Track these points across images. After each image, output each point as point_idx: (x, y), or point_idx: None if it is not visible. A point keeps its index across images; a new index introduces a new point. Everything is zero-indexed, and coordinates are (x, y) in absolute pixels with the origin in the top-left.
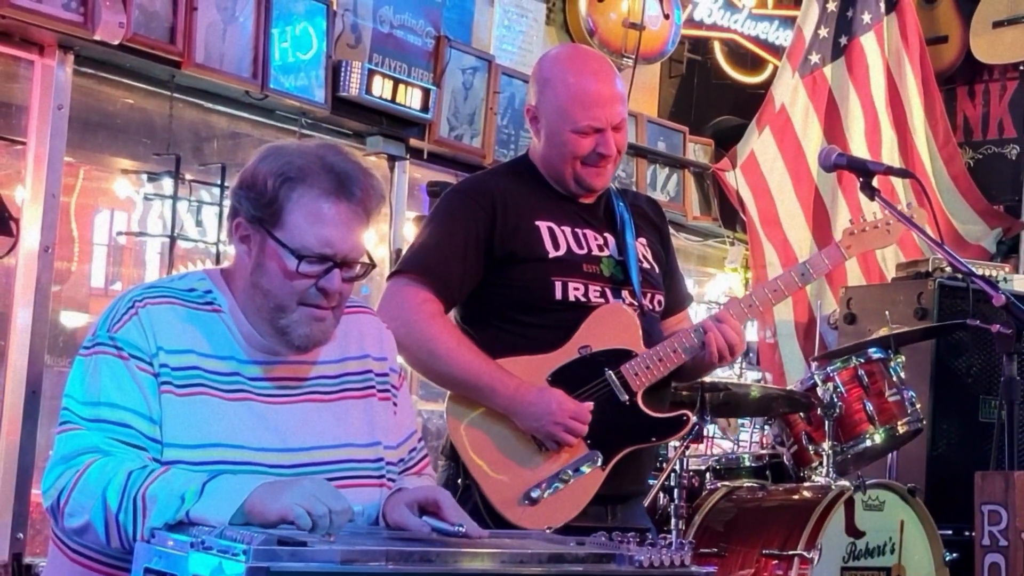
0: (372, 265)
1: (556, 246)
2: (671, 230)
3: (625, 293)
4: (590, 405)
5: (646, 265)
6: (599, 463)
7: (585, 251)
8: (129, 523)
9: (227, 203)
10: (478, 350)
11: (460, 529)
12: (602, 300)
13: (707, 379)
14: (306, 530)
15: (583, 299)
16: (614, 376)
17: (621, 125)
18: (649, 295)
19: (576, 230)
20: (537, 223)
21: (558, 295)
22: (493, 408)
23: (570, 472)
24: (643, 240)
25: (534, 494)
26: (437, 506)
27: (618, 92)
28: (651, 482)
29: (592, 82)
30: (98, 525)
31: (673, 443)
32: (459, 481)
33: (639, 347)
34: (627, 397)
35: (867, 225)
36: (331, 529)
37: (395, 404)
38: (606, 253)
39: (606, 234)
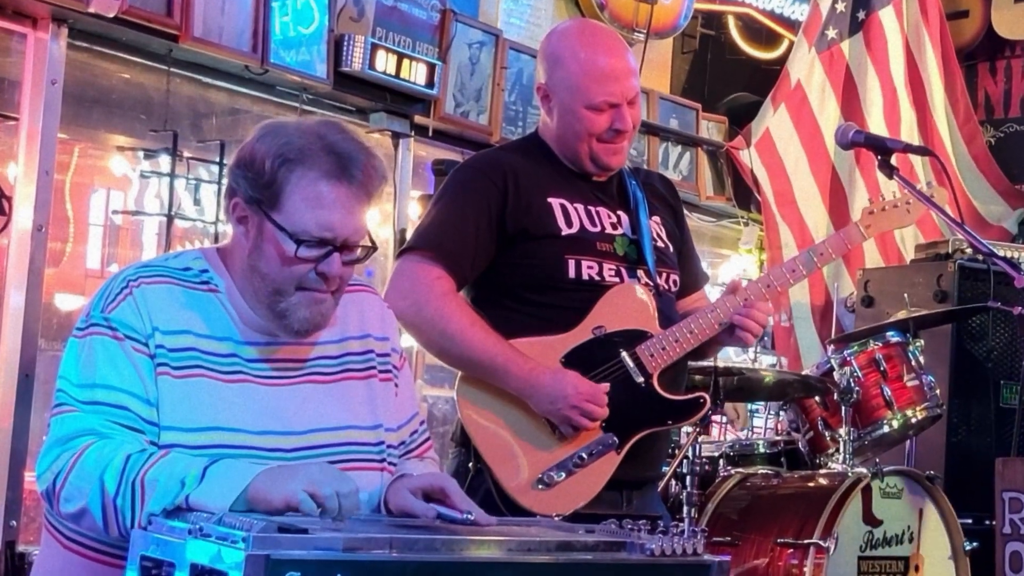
0: (373, 248)
1: (569, 223)
2: (684, 209)
3: (640, 272)
4: (606, 387)
5: (660, 244)
6: (614, 446)
7: (598, 229)
8: (127, 508)
9: (226, 181)
10: (491, 330)
11: (469, 517)
12: (617, 279)
13: (721, 364)
14: (313, 516)
15: (597, 278)
16: (629, 358)
17: (635, 100)
18: (664, 275)
19: (589, 208)
20: (549, 200)
21: (571, 274)
22: (506, 390)
23: (584, 456)
24: (657, 219)
25: (548, 478)
26: (444, 493)
27: (631, 66)
28: (663, 468)
29: (605, 56)
30: (95, 510)
31: (686, 429)
32: (470, 465)
33: (654, 328)
34: (643, 379)
35: (886, 204)
36: (340, 514)
37: (396, 385)
38: (620, 232)
39: (619, 212)
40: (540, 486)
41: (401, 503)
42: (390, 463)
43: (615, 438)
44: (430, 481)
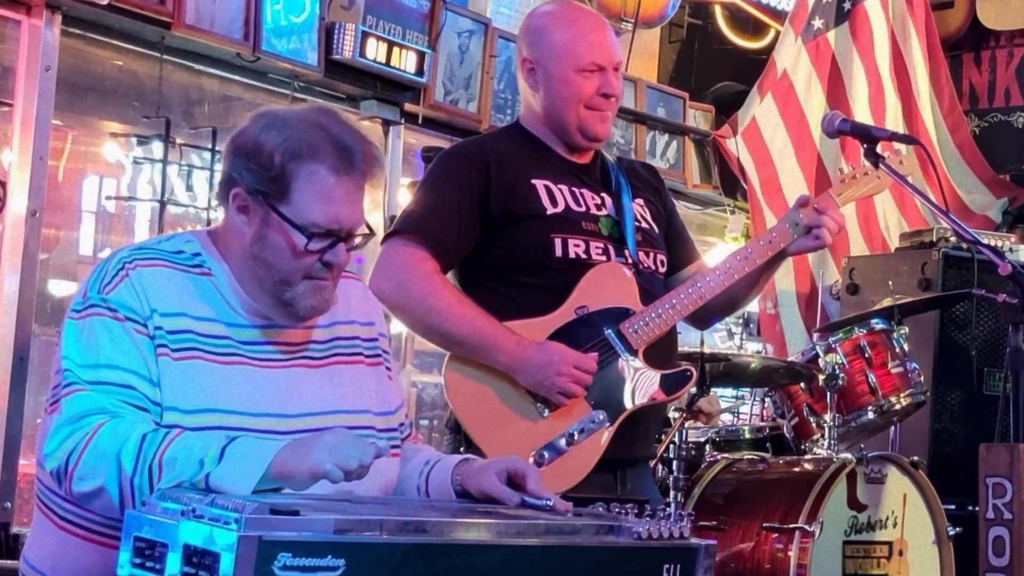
0: (371, 233)
1: (554, 203)
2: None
3: (626, 252)
4: (595, 355)
5: (644, 225)
6: (604, 423)
7: (583, 209)
8: (145, 487)
9: (218, 167)
10: (478, 307)
11: (548, 503)
12: (603, 258)
13: (707, 350)
14: (339, 482)
15: (584, 256)
16: (614, 335)
17: (619, 68)
18: (652, 255)
19: (573, 189)
20: (533, 182)
21: (558, 252)
22: (494, 365)
23: (575, 434)
24: (640, 201)
25: (539, 458)
26: (524, 478)
27: (613, 37)
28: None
29: (589, 23)
30: (112, 490)
31: (673, 414)
32: (462, 450)
33: (637, 305)
34: (629, 355)
35: (857, 172)
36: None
37: (388, 368)
38: (604, 213)
39: (603, 194)
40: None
41: (486, 487)
42: (393, 446)
43: (604, 415)
44: (513, 465)
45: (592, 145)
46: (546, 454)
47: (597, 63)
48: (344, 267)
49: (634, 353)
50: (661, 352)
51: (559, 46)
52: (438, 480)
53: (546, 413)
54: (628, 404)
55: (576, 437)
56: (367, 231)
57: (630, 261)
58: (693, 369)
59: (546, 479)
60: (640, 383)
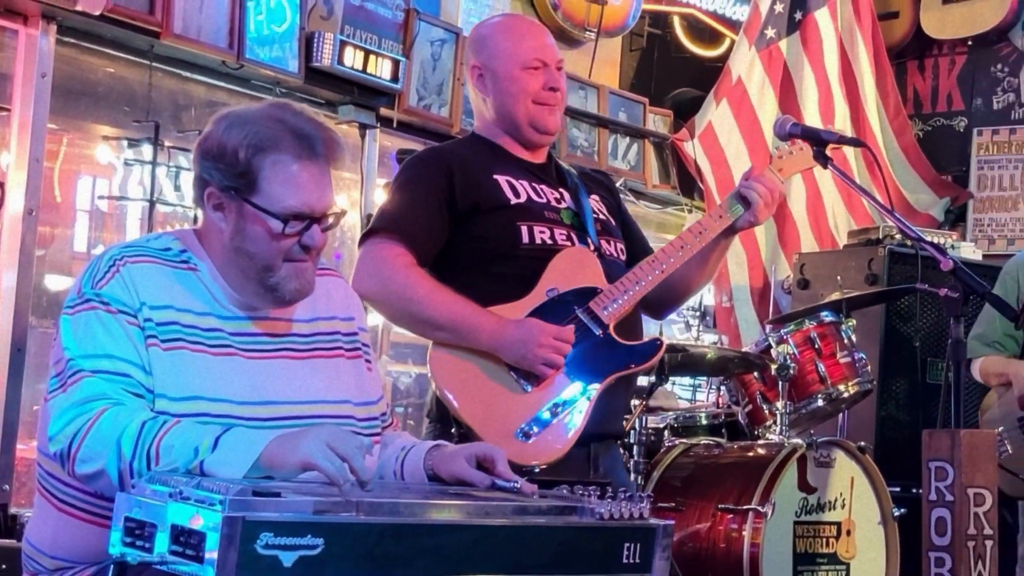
0: (342, 213)
1: (516, 195)
2: (631, 197)
3: (588, 239)
4: (571, 327)
5: (602, 217)
6: (585, 394)
7: (545, 200)
8: (144, 471)
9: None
10: (455, 293)
11: (516, 486)
12: (568, 243)
13: (666, 340)
14: (334, 475)
15: (550, 242)
16: (584, 313)
17: (561, 66)
18: (611, 242)
19: (533, 184)
20: (495, 177)
21: (525, 239)
22: (476, 346)
23: (559, 405)
24: (595, 197)
25: (527, 430)
26: (493, 462)
27: (552, 39)
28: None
29: (529, 27)
30: (112, 473)
31: (634, 401)
32: (452, 431)
33: (603, 284)
34: (600, 331)
35: (793, 148)
36: (360, 473)
37: (368, 361)
38: (564, 205)
39: (561, 190)
40: (520, 437)
41: (455, 470)
42: (373, 434)
43: (585, 386)
44: (482, 450)
45: (543, 139)
46: (534, 427)
47: (540, 60)
48: (321, 249)
49: (605, 328)
50: (629, 327)
51: (504, 49)
52: (412, 465)
53: (529, 388)
54: (606, 375)
55: (560, 409)
56: (339, 212)
57: (592, 247)
58: (662, 339)
59: (535, 450)
60: (614, 355)
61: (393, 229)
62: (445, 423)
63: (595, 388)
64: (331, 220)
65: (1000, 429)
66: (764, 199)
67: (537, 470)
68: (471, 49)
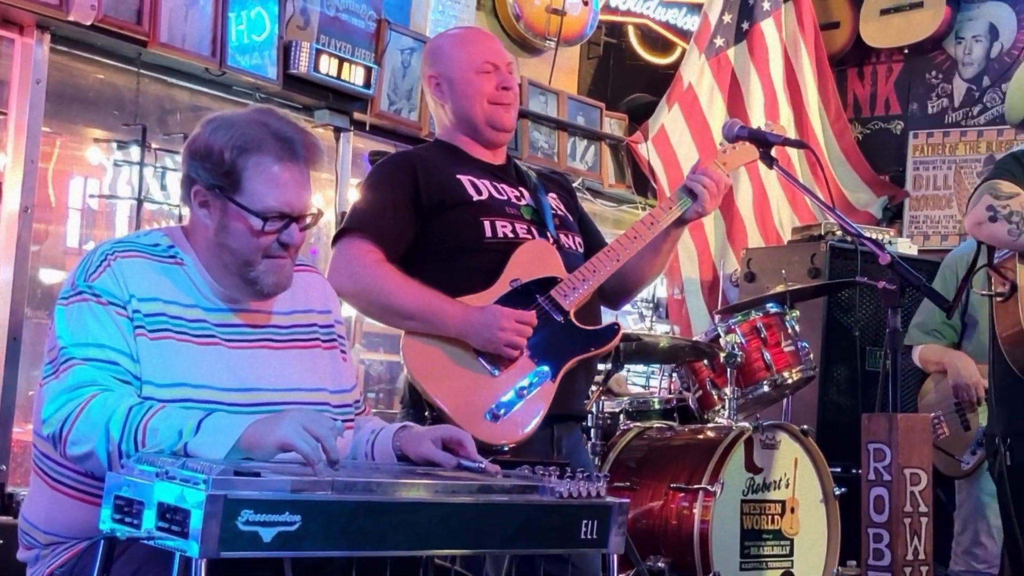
0: (319, 214)
1: (479, 192)
2: (588, 195)
3: (548, 233)
4: (533, 312)
5: (560, 213)
6: (549, 376)
7: (505, 198)
8: (131, 453)
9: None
10: (423, 285)
11: (481, 466)
12: (529, 236)
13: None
14: (310, 455)
15: (512, 235)
16: (546, 301)
17: (512, 70)
18: (570, 236)
19: (494, 184)
20: (458, 176)
21: (488, 233)
22: (445, 333)
23: (525, 387)
24: (553, 195)
25: (496, 411)
26: (460, 444)
27: (501, 44)
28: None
29: (479, 34)
30: (100, 454)
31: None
32: (426, 414)
33: (563, 273)
34: (561, 317)
35: (737, 144)
36: (331, 453)
37: (343, 351)
38: (524, 202)
39: (520, 188)
40: (489, 418)
41: (423, 451)
42: (346, 420)
43: (548, 369)
44: (447, 433)
45: (500, 136)
46: (502, 409)
47: (491, 62)
48: (299, 246)
49: (566, 315)
50: (588, 314)
51: (457, 57)
52: (381, 446)
53: (497, 373)
54: (568, 358)
55: (526, 391)
56: (316, 212)
57: (551, 240)
58: (619, 324)
59: (504, 430)
60: (575, 339)
61: (364, 228)
62: (418, 408)
63: (558, 371)
64: (309, 220)
65: (937, 413)
66: (710, 190)
67: (506, 449)
68: (427, 61)
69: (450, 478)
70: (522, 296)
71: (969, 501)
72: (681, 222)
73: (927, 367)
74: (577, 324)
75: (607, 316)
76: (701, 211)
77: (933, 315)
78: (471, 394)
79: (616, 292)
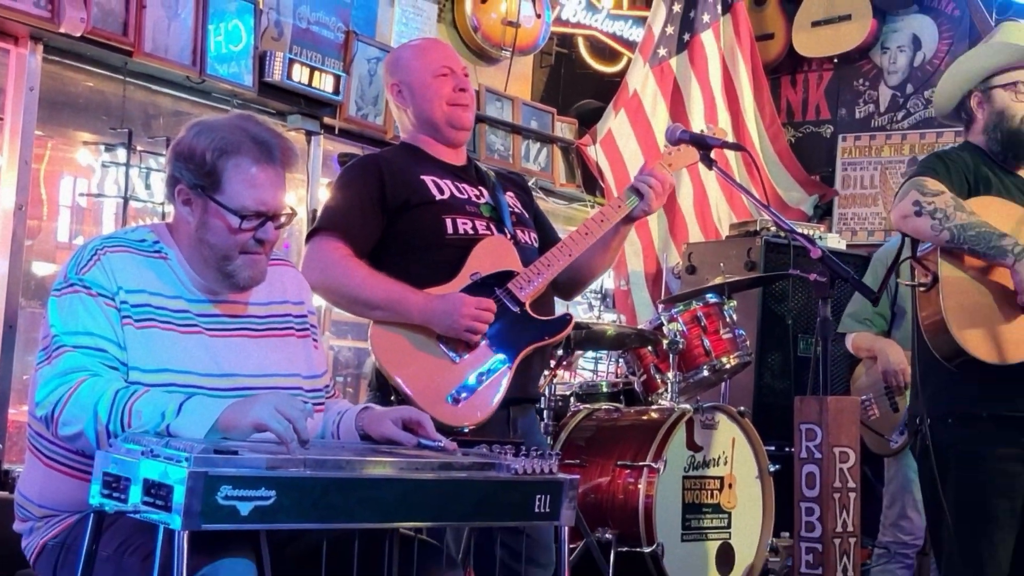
0: (293, 213)
1: (441, 192)
2: (542, 194)
3: (505, 229)
4: (492, 300)
5: (517, 210)
6: (507, 363)
7: (466, 197)
8: (118, 432)
9: (166, 172)
10: (388, 277)
11: (440, 444)
12: (488, 232)
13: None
14: (283, 435)
15: (472, 232)
16: (503, 293)
17: (466, 72)
18: (526, 232)
19: (455, 183)
20: (422, 177)
21: (450, 230)
22: (409, 320)
23: (484, 374)
24: (511, 194)
25: (457, 395)
26: (419, 425)
27: (455, 51)
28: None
29: (434, 43)
30: (89, 433)
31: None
32: (392, 398)
33: (519, 267)
34: (518, 308)
35: (680, 146)
36: (302, 434)
37: (315, 340)
38: (483, 201)
39: (480, 188)
40: (450, 401)
41: (384, 431)
42: (316, 404)
43: (506, 357)
44: (408, 413)
45: (460, 135)
46: (462, 393)
47: (447, 67)
48: (274, 243)
49: (522, 306)
50: (543, 305)
51: (416, 63)
52: (346, 426)
53: (458, 359)
54: (524, 346)
55: (485, 377)
56: (291, 211)
57: (509, 236)
58: (572, 314)
59: (464, 412)
60: (531, 329)
61: (334, 227)
62: (384, 392)
63: (515, 358)
64: (283, 219)
65: (868, 396)
66: (656, 190)
67: (466, 430)
68: (388, 71)
69: (413, 456)
70: (481, 288)
71: (897, 478)
72: (629, 220)
73: (859, 353)
74: (532, 315)
75: (560, 307)
76: (647, 209)
77: (865, 305)
78: (433, 379)
79: (569, 284)
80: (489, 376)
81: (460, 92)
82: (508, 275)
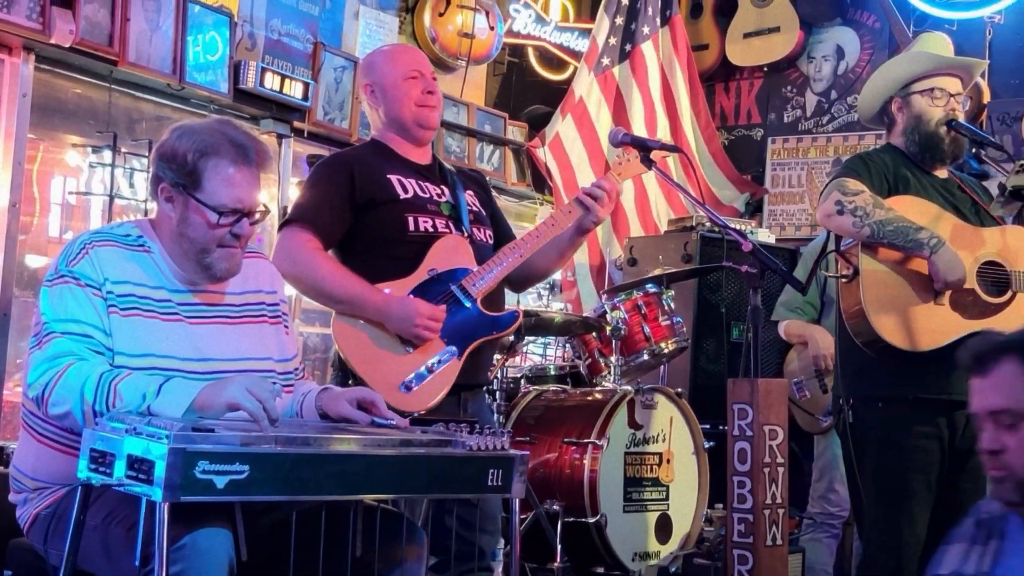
0: (267, 211)
1: (405, 191)
2: (494, 192)
3: (463, 228)
4: (444, 307)
5: (475, 209)
6: (456, 355)
7: (428, 196)
8: (104, 412)
9: (151, 171)
10: (353, 273)
11: (392, 423)
12: (447, 231)
13: (522, 308)
14: (255, 413)
15: (432, 230)
16: (457, 289)
17: (434, 76)
18: (482, 230)
19: (419, 183)
20: (388, 176)
21: (411, 227)
22: (368, 317)
23: (435, 364)
24: (470, 192)
25: (408, 383)
26: (373, 404)
27: (425, 57)
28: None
29: (405, 49)
30: (77, 413)
31: (496, 355)
32: (349, 382)
33: (474, 265)
34: (470, 303)
35: (630, 155)
36: (271, 412)
37: (286, 327)
38: (444, 199)
39: (442, 187)
40: (403, 389)
41: (341, 410)
42: (285, 385)
43: (456, 349)
44: (362, 394)
45: (427, 134)
46: (414, 382)
47: (417, 70)
48: (249, 238)
49: (474, 301)
50: (494, 301)
51: (388, 66)
52: (307, 406)
53: (411, 351)
54: (473, 340)
55: (435, 367)
56: (265, 209)
57: (466, 234)
58: (520, 311)
59: (416, 399)
60: (481, 323)
61: (304, 220)
62: (345, 374)
63: (464, 350)
64: (258, 216)
65: (800, 379)
66: (601, 201)
67: (417, 415)
68: (363, 73)
69: (376, 433)
70: (438, 284)
71: (825, 454)
72: (582, 231)
73: (791, 339)
74: (483, 310)
75: (510, 298)
76: (596, 220)
77: (797, 295)
78: (388, 368)
79: (521, 280)
80: (440, 366)
81: (428, 95)
82: (463, 272)
